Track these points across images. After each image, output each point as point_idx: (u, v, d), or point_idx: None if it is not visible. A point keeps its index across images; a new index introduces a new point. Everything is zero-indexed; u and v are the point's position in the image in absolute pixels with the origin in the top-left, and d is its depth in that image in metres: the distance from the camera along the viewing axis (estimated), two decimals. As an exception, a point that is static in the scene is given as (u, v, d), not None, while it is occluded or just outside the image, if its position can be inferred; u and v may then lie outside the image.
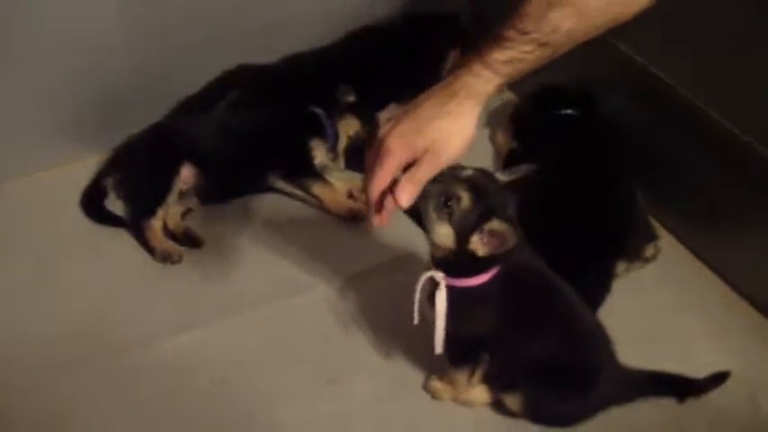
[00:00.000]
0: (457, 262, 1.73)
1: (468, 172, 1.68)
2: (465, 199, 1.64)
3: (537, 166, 1.80)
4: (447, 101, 1.45)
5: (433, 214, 1.68)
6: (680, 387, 2.02)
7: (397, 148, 1.45)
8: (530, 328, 1.84)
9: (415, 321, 1.82)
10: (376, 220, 1.59)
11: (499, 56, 1.45)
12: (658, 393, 2.02)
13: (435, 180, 1.58)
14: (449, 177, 1.65)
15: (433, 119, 1.44)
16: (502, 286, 1.78)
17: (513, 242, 1.63)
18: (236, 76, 2.75)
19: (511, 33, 1.44)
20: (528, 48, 1.45)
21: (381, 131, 1.46)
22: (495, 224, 1.63)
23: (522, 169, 1.78)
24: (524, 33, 1.44)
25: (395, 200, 1.49)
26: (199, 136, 2.53)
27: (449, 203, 1.64)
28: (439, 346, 1.81)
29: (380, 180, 1.48)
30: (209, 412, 2.01)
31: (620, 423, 1.97)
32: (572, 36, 1.47)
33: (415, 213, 1.70)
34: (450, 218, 1.66)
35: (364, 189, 1.54)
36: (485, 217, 1.64)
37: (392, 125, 1.47)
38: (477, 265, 1.74)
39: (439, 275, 1.76)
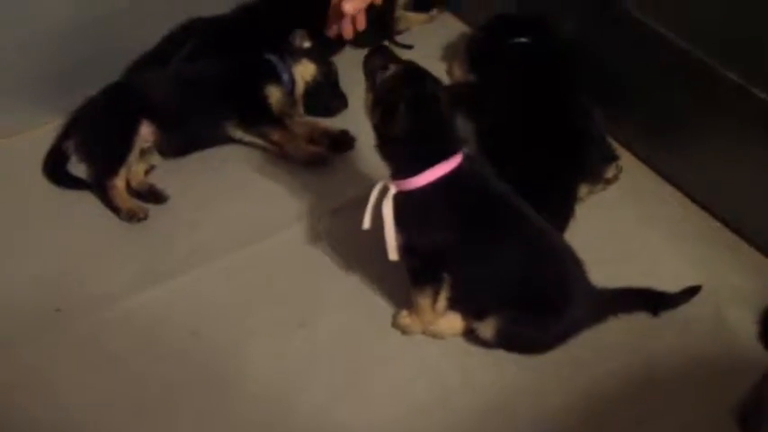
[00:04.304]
0: (389, 149, 1.86)
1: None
2: (391, 69, 1.82)
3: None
4: None
5: (366, 82, 1.87)
6: (653, 301, 2.06)
7: None
8: (489, 247, 1.88)
9: (365, 226, 1.94)
10: (333, 30, 2.02)
11: None
12: (632, 309, 2.07)
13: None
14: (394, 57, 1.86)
15: None
16: (451, 196, 1.84)
17: (398, 125, 1.78)
18: (189, 29, 2.73)
19: None
20: None
21: None
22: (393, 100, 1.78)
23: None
24: None
25: (342, 7, 1.88)
26: (155, 92, 2.52)
27: (378, 71, 1.84)
28: (392, 252, 1.89)
29: None
30: (181, 363, 2.03)
31: (591, 339, 2.01)
32: None
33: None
34: (373, 85, 1.84)
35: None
36: (395, 91, 1.78)
37: None
38: (407, 157, 1.83)
39: (389, 183, 1.86)
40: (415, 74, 1.86)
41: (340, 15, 1.93)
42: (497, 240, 1.88)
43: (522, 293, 1.90)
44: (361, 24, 1.98)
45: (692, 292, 2.07)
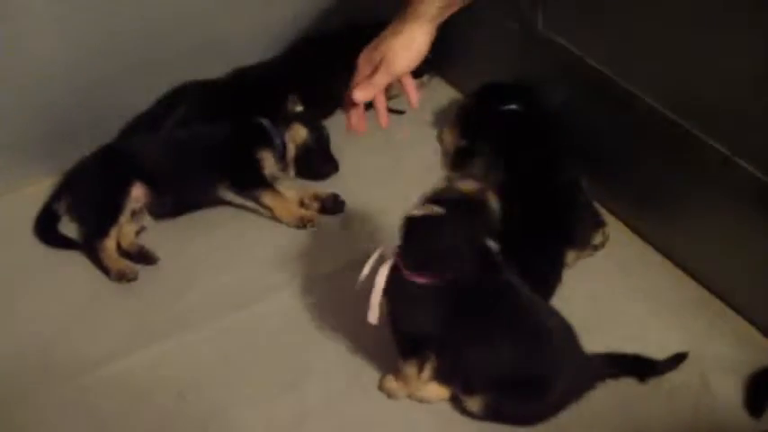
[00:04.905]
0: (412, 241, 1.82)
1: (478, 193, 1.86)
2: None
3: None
4: (398, 23, 1.82)
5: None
6: (641, 367, 2.07)
7: (361, 63, 1.86)
8: (479, 338, 1.88)
9: (359, 283, 1.92)
10: (351, 123, 1.93)
11: None
12: (620, 375, 2.07)
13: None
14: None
15: (386, 38, 1.83)
16: (446, 296, 1.84)
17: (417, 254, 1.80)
18: (183, 93, 2.77)
19: None
20: None
21: None
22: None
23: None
24: None
25: (353, 96, 1.85)
26: (147, 154, 2.54)
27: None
28: (373, 316, 1.88)
29: (350, 85, 1.87)
30: (168, 428, 2.02)
31: (578, 407, 2.00)
32: None
33: None
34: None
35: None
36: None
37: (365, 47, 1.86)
38: (421, 258, 1.81)
39: (389, 252, 1.86)
40: (474, 207, 1.83)
41: (353, 105, 1.90)
42: (489, 333, 1.88)
43: (508, 377, 1.91)
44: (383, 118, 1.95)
45: (678, 359, 2.08)
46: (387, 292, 1.87)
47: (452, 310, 1.84)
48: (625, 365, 2.07)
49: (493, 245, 1.84)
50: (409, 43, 1.81)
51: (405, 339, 1.95)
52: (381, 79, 1.83)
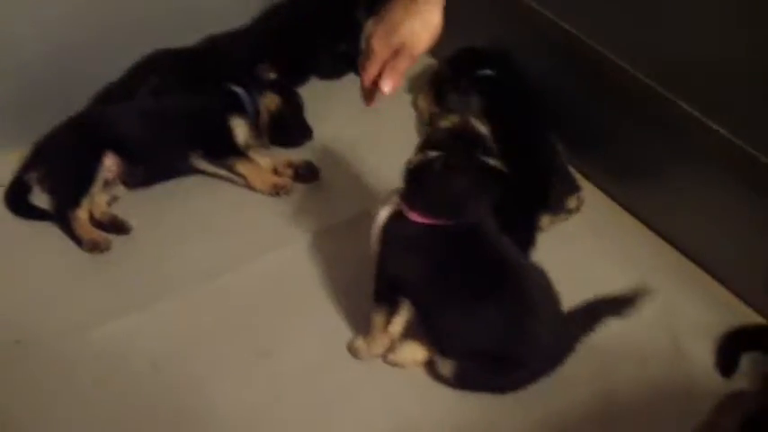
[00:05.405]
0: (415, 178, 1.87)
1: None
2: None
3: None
4: (409, 3, 1.69)
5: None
6: (614, 306, 2.02)
7: (378, 47, 1.72)
8: (460, 302, 1.89)
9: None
10: (368, 102, 1.83)
11: None
12: (596, 324, 2.02)
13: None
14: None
15: (402, 20, 1.69)
16: (437, 243, 1.87)
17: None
18: (154, 61, 2.74)
19: None
20: None
21: (367, 35, 1.75)
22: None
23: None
24: None
25: (380, 88, 1.74)
26: (119, 123, 2.52)
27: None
28: (372, 246, 1.93)
29: (370, 73, 1.75)
30: (142, 397, 2.01)
31: (551, 374, 2.00)
32: None
33: None
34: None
35: (361, 80, 1.79)
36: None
37: (374, 29, 1.74)
38: (421, 194, 1.87)
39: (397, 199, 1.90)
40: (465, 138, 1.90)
41: (373, 87, 1.80)
42: (469, 299, 1.89)
43: (488, 351, 1.92)
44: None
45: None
46: (384, 229, 1.90)
47: (440, 257, 1.88)
48: (599, 311, 2.02)
49: (493, 162, 1.90)
50: (428, 23, 1.71)
51: (383, 282, 1.96)
52: (405, 63, 1.73)
